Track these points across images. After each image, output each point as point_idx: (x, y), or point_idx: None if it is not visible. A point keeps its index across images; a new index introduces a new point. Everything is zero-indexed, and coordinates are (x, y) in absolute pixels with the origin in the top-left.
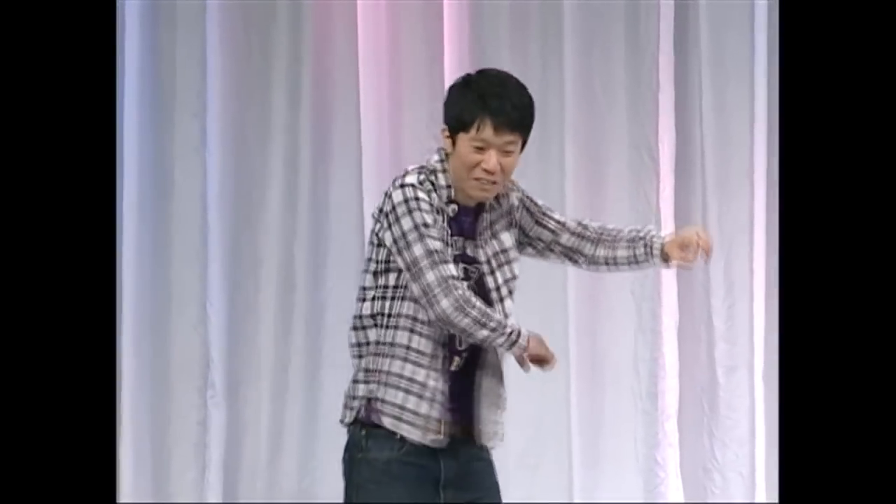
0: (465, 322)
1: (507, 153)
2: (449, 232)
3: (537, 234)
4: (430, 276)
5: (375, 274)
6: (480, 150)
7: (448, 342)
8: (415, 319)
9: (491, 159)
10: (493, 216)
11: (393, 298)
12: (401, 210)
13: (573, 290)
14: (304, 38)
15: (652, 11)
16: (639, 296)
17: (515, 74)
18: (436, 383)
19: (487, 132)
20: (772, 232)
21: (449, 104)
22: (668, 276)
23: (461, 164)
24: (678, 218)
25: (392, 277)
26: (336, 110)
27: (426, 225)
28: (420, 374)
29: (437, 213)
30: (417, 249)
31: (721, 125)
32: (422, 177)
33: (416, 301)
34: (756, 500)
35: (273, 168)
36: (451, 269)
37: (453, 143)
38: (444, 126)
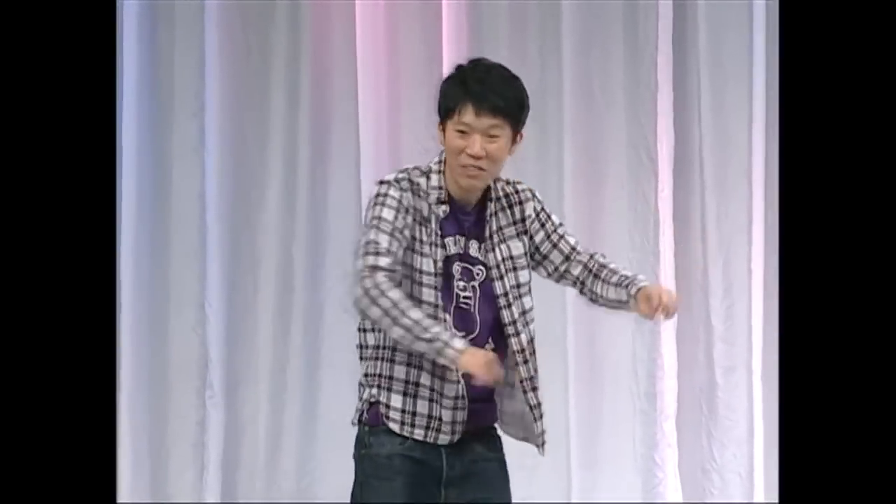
0: (375, 313)
1: (491, 138)
2: (439, 233)
3: (547, 253)
4: (359, 264)
5: None
6: (464, 134)
7: None
8: None
9: (475, 144)
10: (502, 220)
11: None
12: (369, 204)
13: (571, 291)
14: (303, 38)
15: (650, 12)
16: None
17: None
18: (441, 384)
19: (469, 116)
20: (770, 232)
21: (440, 95)
22: (667, 276)
23: (450, 153)
24: (677, 218)
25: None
26: (335, 111)
27: (381, 218)
28: (425, 377)
29: (407, 211)
30: (363, 239)
31: (719, 125)
32: (401, 175)
33: (422, 307)
34: (754, 501)
35: (271, 168)
36: (383, 261)
37: (444, 134)
38: (438, 121)
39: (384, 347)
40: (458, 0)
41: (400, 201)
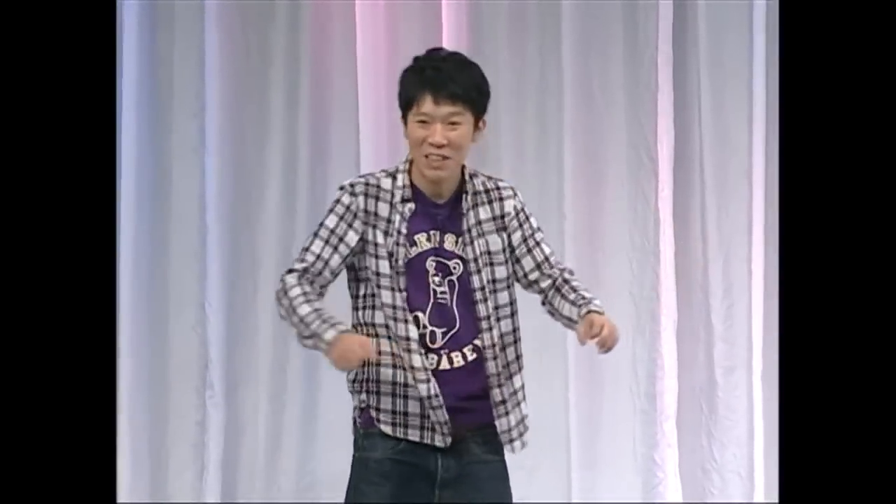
0: (280, 312)
1: (452, 126)
2: (404, 232)
3: (521, 256)
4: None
5: (350, 283)
6: (425, 124)
7: (427, 344)
8: (387, 327)
9: (436, 133)
10: (482, 215)
11: (364, 308)
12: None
13: None
14: (303, 38)
15: (650, 12)
16: (637, 296)
17: (514, 75)
18: (426, 385)
19: (428, 105)
20: (770, 232)
21: (399, 89)
22: (667, 276)
23: (412, 145)
24: (677, 218)
25: (361, 287)
26: (334, 111)
27: (322, 224)
28: (411, 378)
29: (355, 216)
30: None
31: (720, 126)
32: (359, 179)
33: (384, 309)
34: (755, 501)
35: (271, 169)
36: (299, 264)
37: (407, 128)
38: (400, 114)
39: (394, 353)
40: (458, 0)
41: (348, 207)
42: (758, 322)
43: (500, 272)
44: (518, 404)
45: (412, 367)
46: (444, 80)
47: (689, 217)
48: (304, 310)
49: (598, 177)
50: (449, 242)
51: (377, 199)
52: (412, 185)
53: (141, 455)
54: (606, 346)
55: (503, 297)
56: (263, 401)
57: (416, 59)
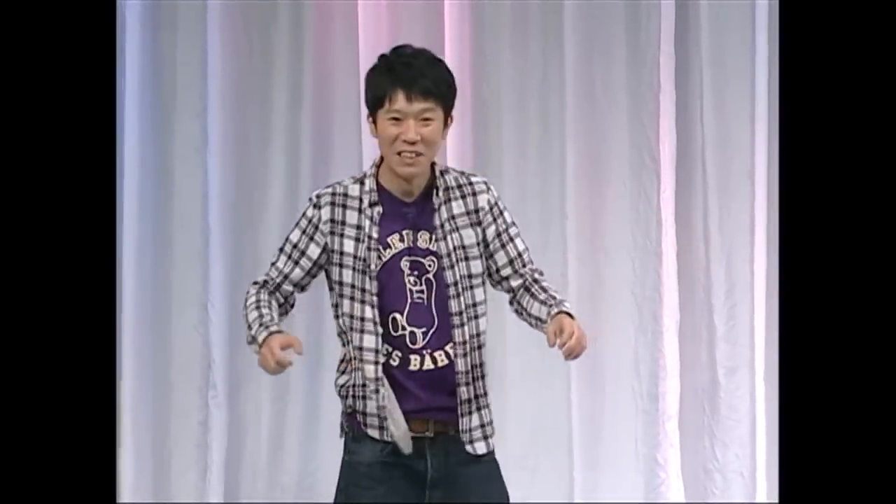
0: (244, 321)
1: (425, 122)
2: (375, 237)
3: (494, 252)
4: None
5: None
6: (397, 121)
7: (409, 345)
8: (345, 334)
9: (409, 130)
10: (455, 210)
11: (336, 317)
12: None
13: (573, 291)
14: (305, 38)
15: (653, 12)
16: (639, 296)
17: (516, 75)
18: (375, 397)
19: (400, 102)
20: (773, 232)
21: (366, 88)
22: (669, 276)
23: (384, 143)
24: (679, 218)
25: (332, 296)
26: (337, 111)
27: (287, 239)
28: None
29: (317, 228)
30: None
31: (722, 126)
32: (325, 190)
33: (343, 318)
34: (757, 501)
35: (274, 169)
36: (261, 278)
37: (375, 126)
38: (368, 113)
39: (353, 359)
40: (461, 0)
41: (310, 221)
42: (760, 322)
43: (476, 267)
44: (481, 409)
45: (365, 378)
46: (415, 77)
47: (692, 217)
48: (252, 315)
49: (600, 177)
50: (422, 240)
51: (345, 206)
52: (379, 188)
53: (144, 455)
54: (574, 354)
55: (479, 293)
56: (266, 401)
57: (383, 56)
